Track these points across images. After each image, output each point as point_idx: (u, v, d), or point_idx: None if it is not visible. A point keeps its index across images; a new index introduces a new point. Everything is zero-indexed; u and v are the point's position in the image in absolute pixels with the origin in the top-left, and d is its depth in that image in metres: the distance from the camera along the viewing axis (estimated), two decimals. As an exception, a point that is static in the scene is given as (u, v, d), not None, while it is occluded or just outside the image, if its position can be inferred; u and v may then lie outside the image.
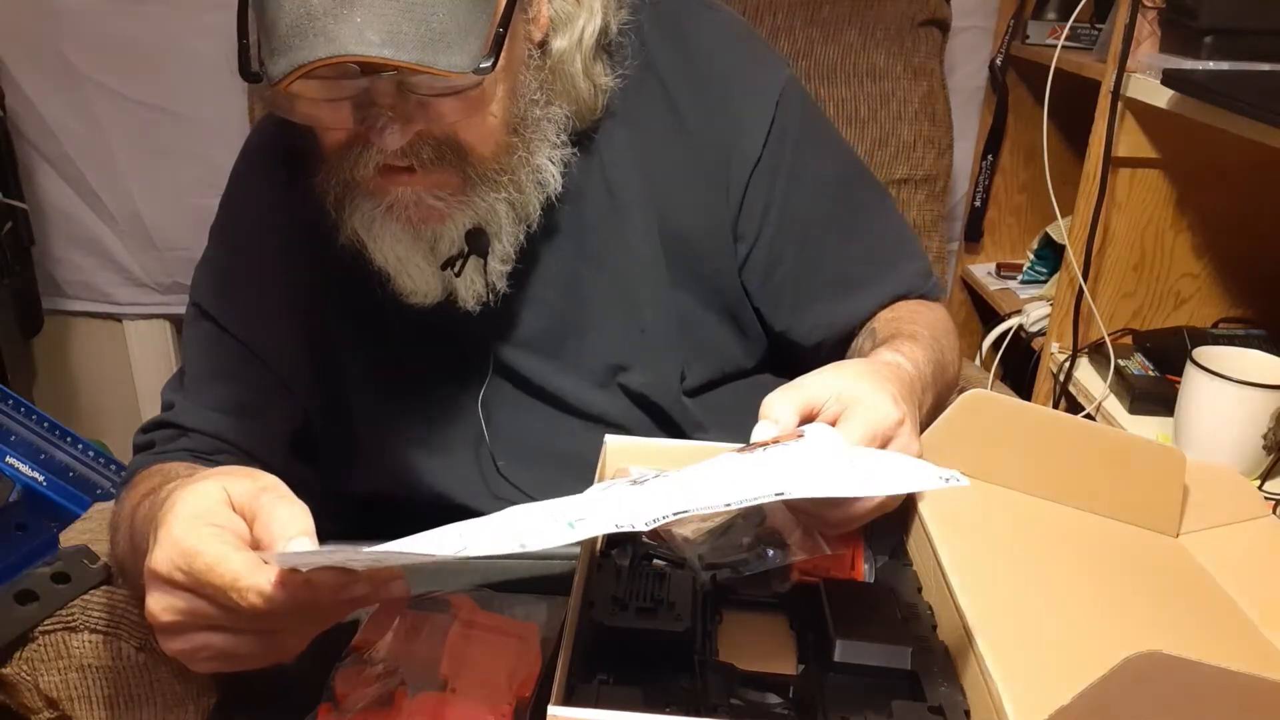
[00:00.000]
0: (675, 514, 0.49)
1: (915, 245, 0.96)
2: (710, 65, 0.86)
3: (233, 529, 0.53)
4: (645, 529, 0.48)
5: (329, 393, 0.88)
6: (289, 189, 0.84)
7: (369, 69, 0.63)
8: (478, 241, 0.76)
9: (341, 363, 0.87)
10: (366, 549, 0.48)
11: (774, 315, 0.91)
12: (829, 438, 0.62)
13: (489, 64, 0.65)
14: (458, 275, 0.78)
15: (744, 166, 0.86)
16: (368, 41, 0.60)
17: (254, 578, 0.50)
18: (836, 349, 0.91)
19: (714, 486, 0.53)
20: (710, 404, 0.91)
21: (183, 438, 0.83)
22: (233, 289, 0.86)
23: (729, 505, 0.51)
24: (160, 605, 0.53)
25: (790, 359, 0.94)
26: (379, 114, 0.67)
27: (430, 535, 0.49)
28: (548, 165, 0.78)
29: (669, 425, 0.90)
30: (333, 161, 0.73)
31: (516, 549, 0.47)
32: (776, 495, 0.52)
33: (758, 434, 0.63)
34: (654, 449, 0.77)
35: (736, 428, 0.64)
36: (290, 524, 0.52)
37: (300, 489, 0.89)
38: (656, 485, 0.56)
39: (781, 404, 0.64)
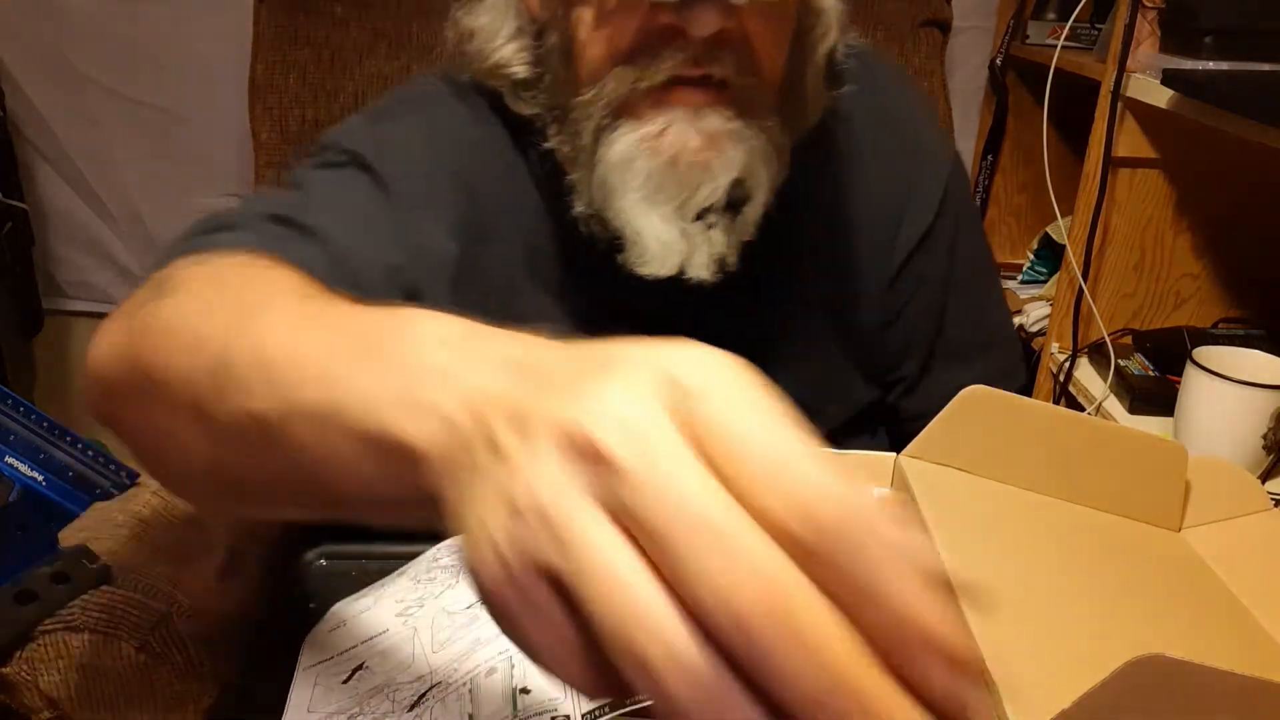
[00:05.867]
0: None
1: (1015, 335, 0.98)
2: (899, 133, 0.87)
3: None
4: None
5: None
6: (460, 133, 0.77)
7: None
8: (737, 193, 0.67)
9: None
10: None
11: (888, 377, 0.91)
12: None
13: None
14: (710, 229, 0.67)
15: (913, 233, 0.86)
16: None
17: None
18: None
19: None
20: None
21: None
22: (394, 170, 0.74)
23: None
24: None
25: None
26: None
27: None
28: (812, 103, 0.73)
29: None
30: (602, 79, 0.63)
31: None
32: None
33: None
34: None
35: None
36: None
37: None
38: None
39: None
